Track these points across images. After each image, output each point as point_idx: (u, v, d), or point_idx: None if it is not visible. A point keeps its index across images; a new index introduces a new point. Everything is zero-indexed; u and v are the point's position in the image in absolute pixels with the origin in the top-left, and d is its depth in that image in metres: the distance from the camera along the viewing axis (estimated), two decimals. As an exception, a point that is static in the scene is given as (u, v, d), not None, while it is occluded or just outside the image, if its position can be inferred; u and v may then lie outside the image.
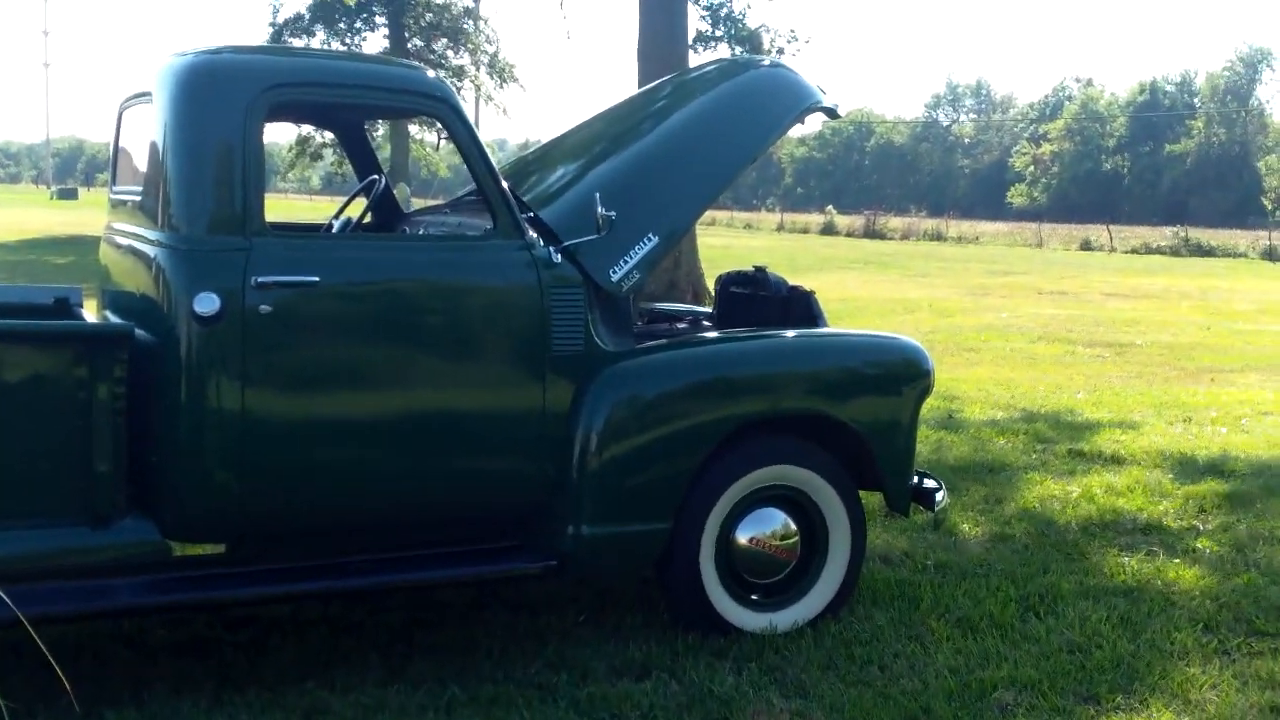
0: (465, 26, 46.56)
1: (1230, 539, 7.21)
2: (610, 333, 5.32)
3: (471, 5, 46.29)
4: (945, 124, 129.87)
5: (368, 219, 5.85)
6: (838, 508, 5.62)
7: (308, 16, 43.98)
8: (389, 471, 4.87)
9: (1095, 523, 7.50)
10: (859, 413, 5.69)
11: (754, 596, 5.56)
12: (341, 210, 6.08)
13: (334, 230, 5.73)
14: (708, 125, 6.01)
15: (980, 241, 55.75)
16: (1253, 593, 6.22)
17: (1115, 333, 18.62)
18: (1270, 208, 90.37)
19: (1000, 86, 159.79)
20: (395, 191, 6.44)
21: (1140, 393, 12.76)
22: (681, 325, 6.41)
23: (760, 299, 6.57)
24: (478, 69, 46.62)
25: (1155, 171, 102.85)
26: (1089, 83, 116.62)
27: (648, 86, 7.04)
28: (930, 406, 10.92)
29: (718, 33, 26.75)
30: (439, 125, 5.28)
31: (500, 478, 5.12)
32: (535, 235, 5.20)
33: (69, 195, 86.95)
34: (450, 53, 46.74)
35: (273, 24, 43.91)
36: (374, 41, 45.76)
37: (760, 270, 6.72)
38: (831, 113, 6.43)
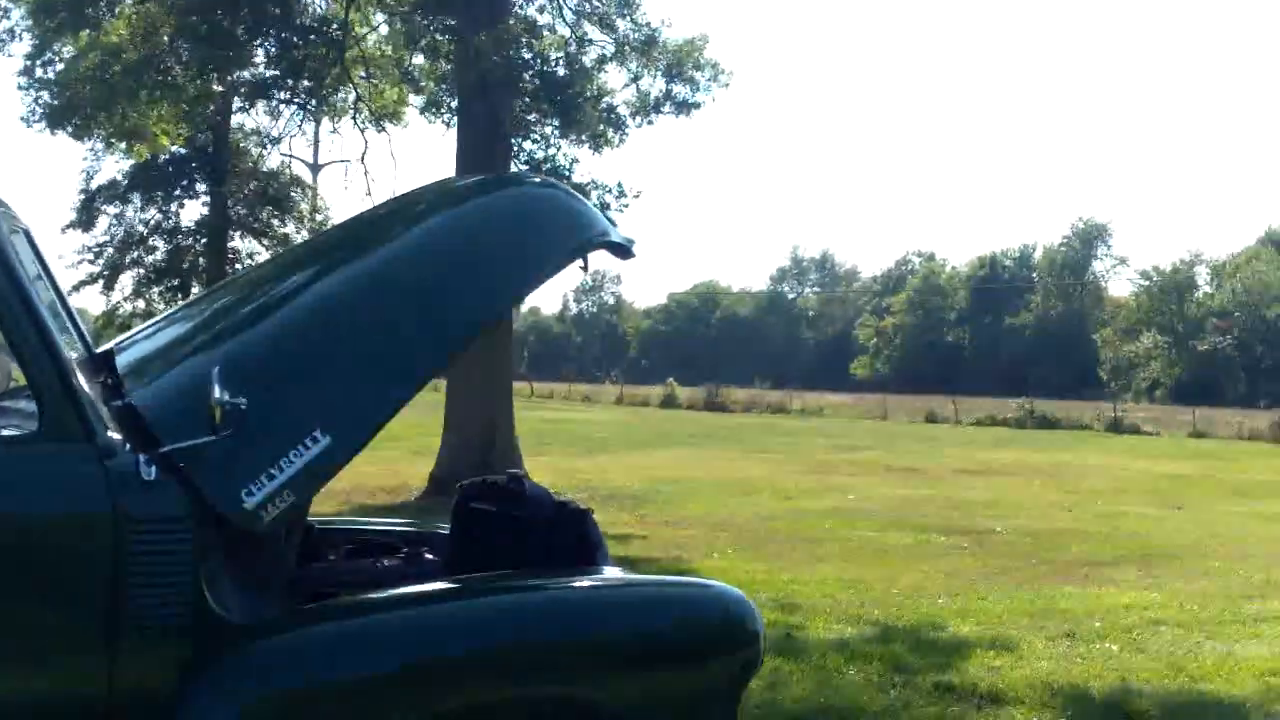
0: (293, 194, 44.49)
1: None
2: (240, 591, 3.36)
3: (298, 174, 44.30)
4: (790, 296, 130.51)
5: None
6: None
7: (124, 183, 41.40)
8: None
9: (978, 802, 5.61)
10: (647, 701, 3.75)
11: None
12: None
13: None
14: (431, 263, 4.04)
15: (824, 414, 54.55)
16: None
17: (971, 517, 17.00)
18: (1106, 379, 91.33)
19: (845, 259, 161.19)
20: None
21: (1010, 595, 11.01)
22: (389, 563, 4.44)
23: (512, 520, 4.51)
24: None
25: (995, 343, 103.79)
26: (931, 256, 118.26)
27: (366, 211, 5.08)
28: (766, 620, 9.02)
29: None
30: None
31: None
32: (117, 436, 3.27)
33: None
34: (276, 221, 44.53)
35: (84, 190, 41.17)
36: (193, 209, 43.23)
37: (515, 479, 4.66)
38: (625, 250, 4.43)
